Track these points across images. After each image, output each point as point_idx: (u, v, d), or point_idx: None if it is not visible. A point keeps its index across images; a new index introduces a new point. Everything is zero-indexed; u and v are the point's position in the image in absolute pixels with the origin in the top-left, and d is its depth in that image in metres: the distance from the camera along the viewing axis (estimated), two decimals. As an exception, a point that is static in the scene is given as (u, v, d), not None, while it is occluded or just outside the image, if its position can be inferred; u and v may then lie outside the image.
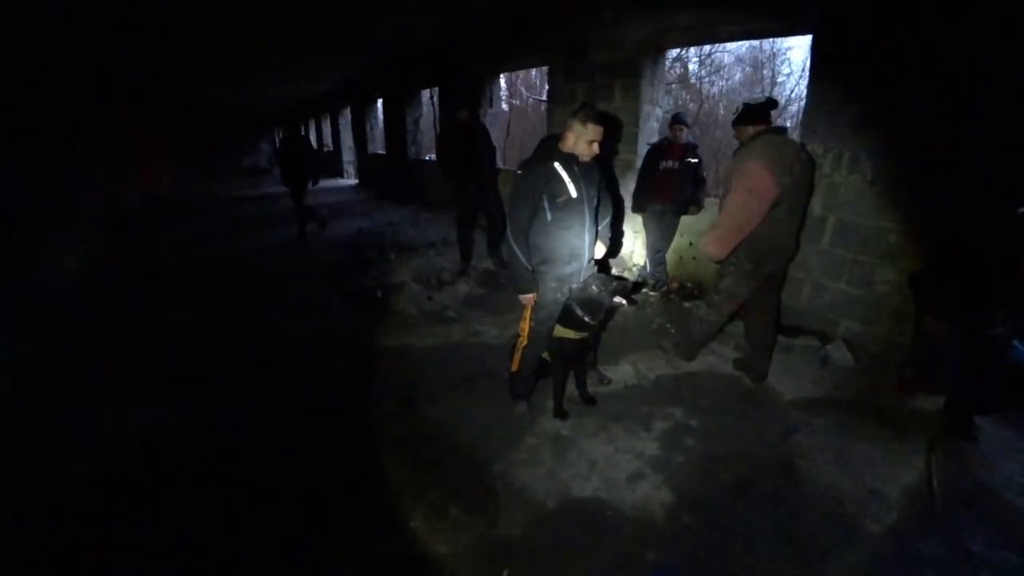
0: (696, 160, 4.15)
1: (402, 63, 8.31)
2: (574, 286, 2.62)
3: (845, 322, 3.40)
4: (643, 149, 4.49)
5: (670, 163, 4.13)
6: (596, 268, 2.75)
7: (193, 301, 4.82)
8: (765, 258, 2.76)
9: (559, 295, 2.59)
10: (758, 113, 2.70)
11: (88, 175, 6.84)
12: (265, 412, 2.88)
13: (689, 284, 4.50)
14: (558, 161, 2.40)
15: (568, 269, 2.54)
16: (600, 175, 2.59)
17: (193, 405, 2.95)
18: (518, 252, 2.46)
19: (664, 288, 4.48)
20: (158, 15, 4.64)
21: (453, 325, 4.03)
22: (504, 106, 18.77)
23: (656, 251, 4.48)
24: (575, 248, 2.51)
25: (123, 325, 4.29)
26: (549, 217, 2.41)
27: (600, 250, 2.70)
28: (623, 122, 4.63)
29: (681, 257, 4.57)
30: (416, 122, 9.38)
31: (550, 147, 2.46)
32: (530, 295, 2.55)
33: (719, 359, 3.36)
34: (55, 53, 5.88)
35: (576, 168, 2.42)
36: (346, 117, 13.46)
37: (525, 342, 2.71)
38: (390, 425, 2.73)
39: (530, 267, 2.49)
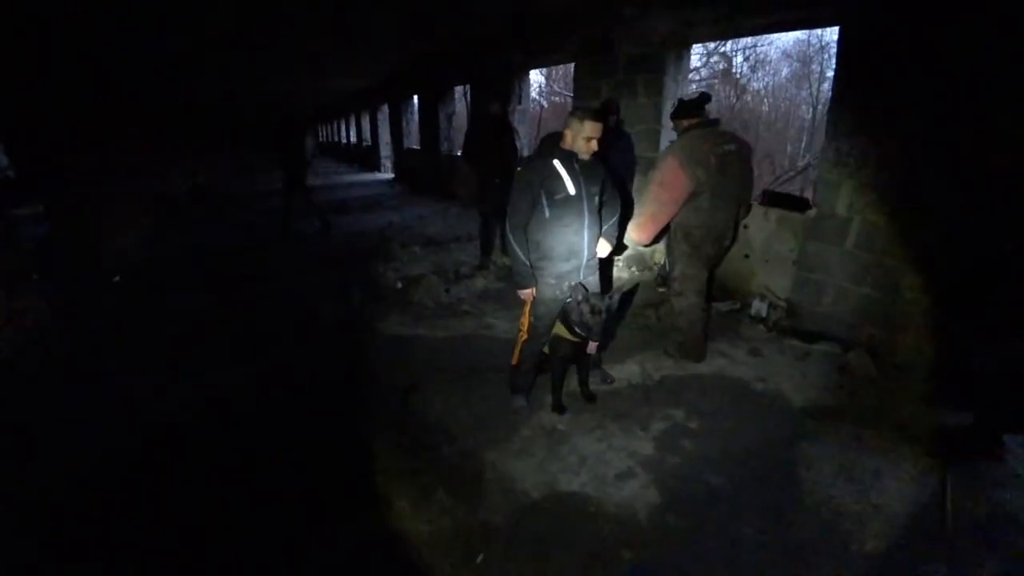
0: (719, 158, 4.02)
1: (436, 60, 8.45)
2: (574, 283, 2.62)
3: (870, 329, 3.23)
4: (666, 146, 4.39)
5: (692, 160, 4.03)
6: (599, 266, 2.73)
7: (222, 285, 5.12)
8: (702, 242, 3.02)
9: (558, 292, 2.59)
10: (689, 108, 2.97)
11: (136, 167, 7.31)
12: (275, 391, 3.04)
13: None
14: (557, 159, 2.40)
15: (566, 266, 2.54)
16: (605, 174, 2.58)
17: (209, 378, 3.18)
18: (516, 248, 2.48)
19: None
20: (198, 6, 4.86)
21: (466, 318, 4.09)
22: (544, 103, 18.74)
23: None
24: (573, 245, 2.50)
25: (157, 302, 4.61)
26: (547, 214, 2.42)
27: (605, 249, 2.67)
28: (646, 119, 4.54)
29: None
30: (449, 118, 9.51)
31: (551, 145, 2.46)
32: (528, 290, 2.57)
33: (729, 362, 3.26)
34: (107, 54, 6.33)
35: (576, 166, 2.42)
36: (384, 113, 13.78)
37: (525, 337, 2.73)
38: (391, 410, 2.82)
39: (528, 263, 2.50)
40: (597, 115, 2.40)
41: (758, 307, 3.73)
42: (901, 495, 2.14)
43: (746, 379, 3.07)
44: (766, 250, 3.82)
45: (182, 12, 5.01)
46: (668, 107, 4.47)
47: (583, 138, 2.39)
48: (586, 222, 2.49)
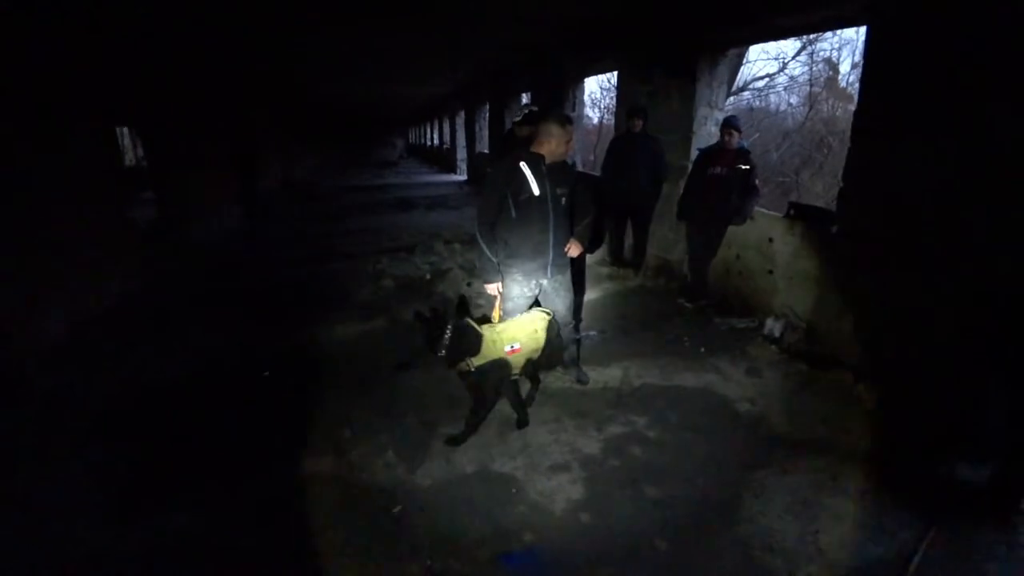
0: (747, 167, 3.85)
1: (503, 70, 8.79)
2: (543, 281, 2.72)
3: (886, 360, 2.91)
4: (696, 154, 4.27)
5: (719, 169, 3.89)
6: (570, 266, 2.79)
7: (282, 266, 5.82)
8: None
9: (525, 289, 2.71)
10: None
11: (232, 161, 8.40)
12: (292, 351, 3.51)
13: (730, 298, 4.17)
14: (524, 161, 2.52)
15: (532, 264, 2.64)
16: (575, 177, 2.65)
17: (241, 339, 3.74)
18: (483, 244, 2.62)
19: (703, 302, 4.22)
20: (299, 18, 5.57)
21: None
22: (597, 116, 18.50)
23: (696, 260, 4.23)
24: (539, 244, 2.59)
25: (227, 274, 5.38)
26: (514, 214, 2.54)
27: (575, 250, 2.73)
28: (678, 126, 4.44)
29: (728, 270, 4.24)
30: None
31: (519, 148, 2.59)
32: (492, 284, 2.70)
33: (721, 379, 3.12)
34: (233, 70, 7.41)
35: (543, 168, 2.52)
36: (461, 118, 14.48)
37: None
38: (378, 381, 3.09)
39: (494, 259, 2.63)
40: (568, 120, 2.55)
41: (771, 326, 3.50)
42: (856, 545, 1.92)
43: (732, 398, 2.92)
44: (790, 267, 3.57)
45: (310, 40, 5.79)
46: (701, 114, 4.34)
47: (560, 142, 2.51)
48: (551, 221, 2.57)
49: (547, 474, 2.28)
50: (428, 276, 5.21)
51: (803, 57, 9.75)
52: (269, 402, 2.91)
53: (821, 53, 8.88)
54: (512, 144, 5.13)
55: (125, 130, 10.40)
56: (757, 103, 12.19)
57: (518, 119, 3.73)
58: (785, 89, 10.28)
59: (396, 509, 2.07)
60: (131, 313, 4.37)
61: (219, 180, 7.81)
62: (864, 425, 2.63)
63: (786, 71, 10.24)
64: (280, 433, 2.60)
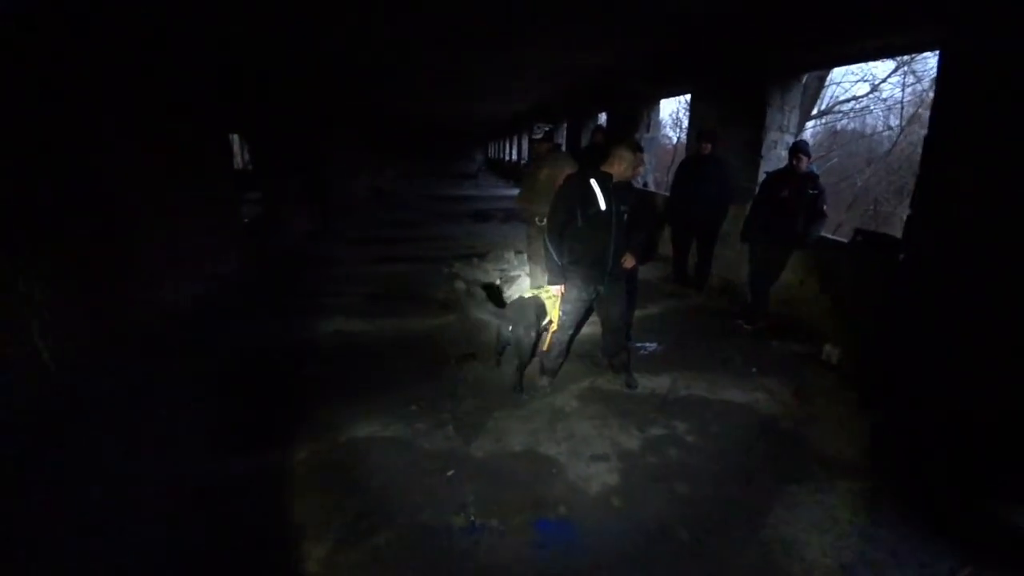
0: (815, 192, 3.85)
1: (579, 90, 9.14)
2: (600, 288, 2.98)
3: (947, 395, 2.83)
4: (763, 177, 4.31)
5: (785, 193, 3.92)
6: (624, 276, 3.04)
7: (368, 262, 6.50)
8: None
9: (583, 293, 2.98)
10: None
11: (323, 171, 9.36)
12: (371, 337, 4.01)
13: (790, 323, 4.14)
14: (594, 178, 2.82)
15: (593, 272, 2.92)
16: (635, 195, 2.93)
17: (324, 322, 4.29)
18: (552, 249, 2.94)
19: (763, 324, 4.22)
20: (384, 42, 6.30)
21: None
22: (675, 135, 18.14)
23: (757, 283, 4.25)
24: (600, 253, 2.87)
25: (318, 266, 6.13)
26: (580, 224, 2.85)
27: (630, 262, 2.98)
28: (746, 148, 4.51)
29: (791, 294, 4.22)
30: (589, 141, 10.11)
31: (590, 166, 2.90)
32: (558, 286, 3.00)
33: (769, 398, 3.17)
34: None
35: (610, 186, 2.80)
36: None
37: (554, 328, 3.16)
38: (444, 368, 3.50)
39: (560, 263, 2.94)
40: (639, 147, 2.85)
41: (828, 352, 3.48)
42: (882, 568, 1.95)
43: (777, 416, 2.98)
44: (854, 294, 3.54)
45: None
46: (770, 138, 4.39)
47: (630, 166, 2.82)
48: (613, 234, 2.85)
49: (587, 461, 2.52)
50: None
51: (897, 77, 9.16)
52: (347, 376, 3.40)
53: (921, 72, 8.28)
54: (592, 158, 5.45)
55: (235, 136, 11.90)
56: (852, 125, 11.52)
57: (537, 136, 4.13)
58: (884, 110, 9.66)
59: (449, 472, 2.41)
60: (236, 292, 5.19)
61: (307, 186, 8.73)
62: (916, 457, 2.59)
63: (877, 92, 9.61)
64: (355, 402, 3.04)
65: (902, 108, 8.86)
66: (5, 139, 2.81)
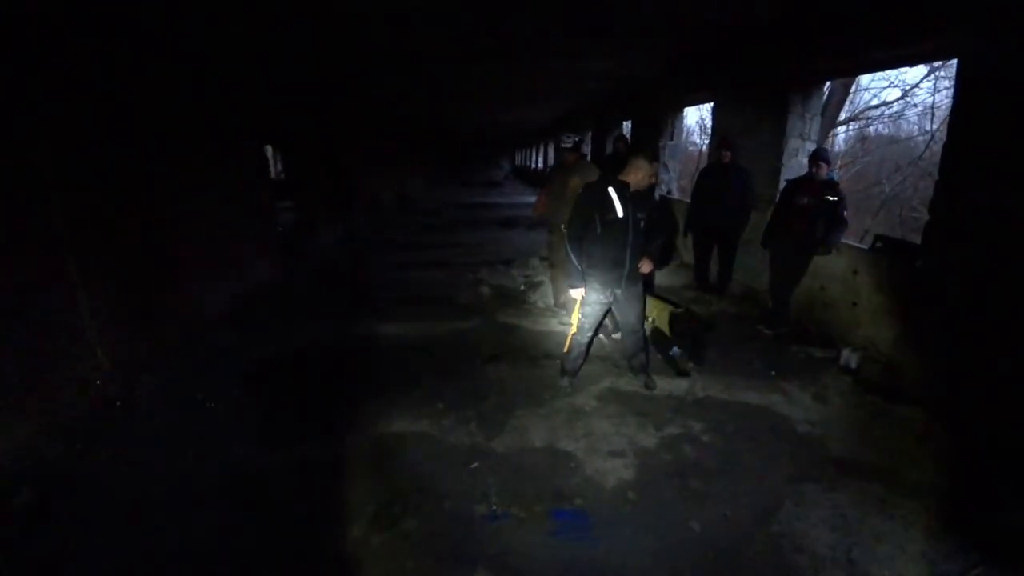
0: (835, 199, 3.87)
1: (604, 99, 9.27)
2: (618, 291, 3.11)
3: (964, 400, 2.83)
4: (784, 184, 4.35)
5: (805, 200, 3.96)
6: (641, 280, 3.16)
7: (391, 269, 6.77)
8: None
9: (602, 296, 3.11)
10: None
11: (352, 180, 9.67)
12: (397, 339, 4.24)
13: (811, 328, 4.15)
14: (612, 186, 2.96)
15: (610, 275, 3.05)
16: (652, 203, 3.05)
17: (353, 324, 4.57)
18: (571, 254, 3.09)
19: (783, 330, 4.25)
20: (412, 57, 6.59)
21: (555, 318, 4.74)
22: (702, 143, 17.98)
23: (778, 288, 4.28)
24: (617, 258, 3.00)
25: (348, 273, 6.42)
26: (599, 231, 2.98)
27: (647, 266, 3.10)
28: (767, 156, 4.56)
29: (811, 300, 4.24)
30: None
31: (609, 174, 3.04)
32: (578, 290, 3.14)
33: (786, 400, 3.22)
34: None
35: (627, 194, 2.94)
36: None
37: (574, 331, 3.30)
38: (469, 369, 3.68)
39: (579, 268, 3.09)
40: (656, 157, 2.97)
41: (847, 357, 3.49)
42: (892, 564, 2.00)
43: (792, 418, 3.03)
44: (874, 300, 3.55)
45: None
46: (791, 146, 4.43)
47: (647, 175, 2.95)
48: (630, 240, 2.97)
49: (604, 457, 2.65)
50: (522, 287, 5.78)
51: (929, 83, 8.85)
52: (377, 375, 3.61)
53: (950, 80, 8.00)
54: (613, 166, 5.57)
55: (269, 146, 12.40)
56: (887, 130, 11.24)
57: (567, 146, 4.29)
58: (919, 114, 9.39)
59: (472, 465, 2.58)
60: (271, 298, 5.47)
61: (337, 195, 9.03)
62: (930, 461, 2.62)
63: (908, 97, 9.35)
64: (385, 400, 3.24)
65: (932, 113, 8.64)
66: (70, 154, 3.07)
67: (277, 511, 2.31)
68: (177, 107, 4.18)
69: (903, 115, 9.78)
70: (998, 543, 2.09)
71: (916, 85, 9.71)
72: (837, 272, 3.89)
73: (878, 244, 3.55)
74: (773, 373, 3.56)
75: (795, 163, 4.46)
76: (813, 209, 3.92)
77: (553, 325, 4.58)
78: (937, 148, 8.58)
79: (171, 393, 3.38)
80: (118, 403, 3.14)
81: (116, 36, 3.42)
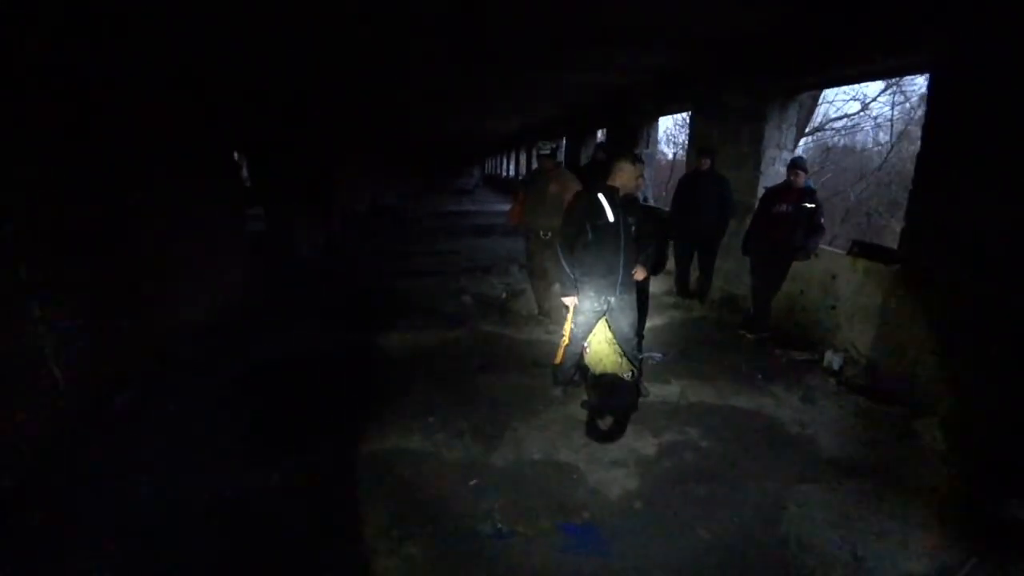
0: (812, 206, 4.01)
1: (582, 108, 9.39)
2: (611, 299, 3.09)
3: (947, 398, 2.95)
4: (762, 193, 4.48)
5: (784, 207, 4.08)
6: (635, 288, 3.16)
7: (372, 279, 6.61)
8: None
9: (596, 304, 3.09)
10: None
11: (326, 189, 9.42)
12: (381, 350, 4.10)
13: (791, 332, 4.27)
14: (601, 192, 2.95)
15: (604, 282, 3.03)
16: (641, 209, 3.07)
17: (334, 336, 4.38)
18: (564, 262, 3.06)
19: (765, 334, 4.35)
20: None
21: (540, 326, 4.71)
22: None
23: (759, 294, 4.39)
24: (611, 264, 2.99)
25: (324, 282, 6.22)
26: (591, 237, 2.97)
27: (640, 273, 3.10)
28: (746, 165, 4.69)
29: (791, 304, 4.36)
30: (589, 158, 10.33)
31: (596, 182, 3.04)
32: (571, 297, 3.12)
33: (775, 403, 3.28)
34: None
35: (617, 199, 2.94)
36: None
37: (566, 341, 3.26)
38: (458, 380, 3.59)
39: (572, 275, 3.06)
40: (640, 160, 2.98)
41: (830, 359, 3.60)
42: (894, 558, 2.05)
43: (783, 420, 3.09)
44: (852, 303, 3.68)
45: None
46: (769, 155, 4.57)
47: (632, 176, 2.95)
48: (622, 246, 2.97)
49: (606, 467, 2.61)
50: (504, 295, 5.73)
51: (887, 96, 9.47)
52: (362, 388, 3.48)
53: (909, 91, 8.60)
54: (594, 174, 5.62)
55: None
56: (843, 142, 11.85)
57: (545, 152, 4.34)
58: (873, 127, 9.99)
59: (472, 482, 2.49)
60: (246, 309, 5.21)
61: (310, 203, 8.76)
62: (917, 457, 2.71)
63: (867, 111, 9.95)
64: (374, 414, 3.11)
65: (892, 125, 9.20)
66: (34, 162, 2.86)
67: (266, 537, 2.16)
68: (142, 112, 3.95)
69: (860, 128, 10.40)
70: (989, 535, 2.16)
71: (875, 98, 10.31)
72: (816, 277, 4.02)
73: (855, 249, 3.69)
74: (760, 377, 3.63)
75: (772, 171, 4.61)
76: (792, 216, 4.05)
77: (539, 334, 4.54)
78: (893, 159, 9.18)
79: (144, 410, 3.15)
80: (81, 424, 2.90)
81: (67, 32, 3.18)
